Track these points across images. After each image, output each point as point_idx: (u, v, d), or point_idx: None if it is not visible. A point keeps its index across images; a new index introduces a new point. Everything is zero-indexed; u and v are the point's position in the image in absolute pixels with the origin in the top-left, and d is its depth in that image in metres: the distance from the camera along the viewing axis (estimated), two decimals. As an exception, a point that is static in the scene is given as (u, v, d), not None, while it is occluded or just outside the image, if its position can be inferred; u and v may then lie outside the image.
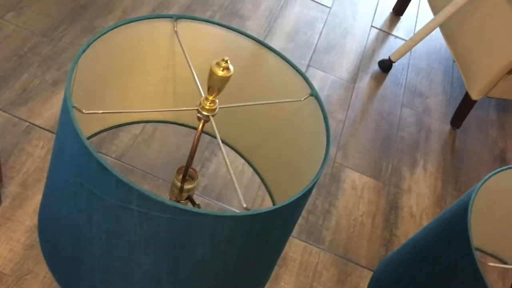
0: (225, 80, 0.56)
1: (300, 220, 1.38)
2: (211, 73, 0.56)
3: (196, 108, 0.60)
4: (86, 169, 0.51)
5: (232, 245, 0.54)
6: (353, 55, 2.02)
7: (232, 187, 1.44)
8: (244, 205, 0.53)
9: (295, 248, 1.30)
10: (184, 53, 0.64)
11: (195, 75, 0.63)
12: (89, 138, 0.77)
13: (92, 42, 0.58)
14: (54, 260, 0.65)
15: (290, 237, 1.32)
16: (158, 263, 0.55)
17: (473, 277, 0.54)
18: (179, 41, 0.65)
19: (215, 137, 0.84)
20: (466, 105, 1.81)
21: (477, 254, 0.55)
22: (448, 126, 1.88)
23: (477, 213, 0.68)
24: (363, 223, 1.46)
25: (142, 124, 1.46)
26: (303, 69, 1.86)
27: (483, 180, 0.62)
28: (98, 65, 0.65)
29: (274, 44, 1.90)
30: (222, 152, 0.58)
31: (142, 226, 0.52)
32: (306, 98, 0.67)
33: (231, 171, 0.55)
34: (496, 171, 0.61)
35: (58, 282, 0.66)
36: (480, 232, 0.71)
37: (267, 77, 0.72)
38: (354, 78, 1.93)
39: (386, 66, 1.97)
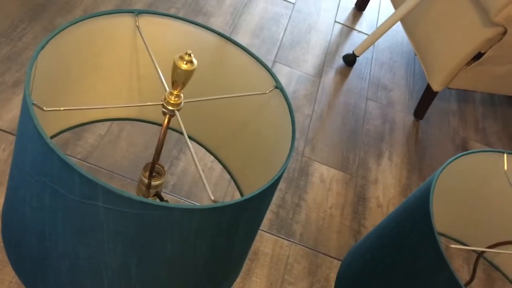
0: (189, 73, 0.56)
1: (270, 215, 1.39)
2: (175, 67, 0.55)
3: (161, 103, 0.60)
4: (49, 166, 0.50)
5: (201, 239, 0.54)
6: (318, 50, 2.04)
7: (202, 185, 1.44)
8: (212, 198, 0.53)
9: (266, 242, 1.31)
10: (147, 48, 0.63)
11: (159, 70, 0.62)
12: (52, 137, 0.75)
13: (51, 38, 0.57)
14: (19, 262, 0.63)
15: (261, 232, 1.33)
16: (127, 260, 0.54)
17: (436, 260, 0.56)
18: (141, 36, 0.64)
19: (182, 133, 0.84)
20: (427, 96, 1.85)
21: (439, 237, 0.56)
22: (411, 118, 1.92)
23: (439, 199, 0.70)
24: (332, 215, 1.48)
25: (108, 124, 1.44)
26: (269, 65, 1.87)
27: (443, 166, 0.64)
28: (59, 62, 0.63)
29: (239, 40, 1.90)
30: (188, 147, 0.58)
31: (108, 223, 0.51)
32: (271, 90, 0.68)
33: (199, 166, 0.55)
34: (455, 156, 0.63)
35: (25, 285, 0.65)
36: (444, 218, 0.73)
37: (232, 71, 0.72)
38: (320, 73, 1.95)
39: (350, 60, 2.00)
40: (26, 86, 0.52)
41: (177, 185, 1.38)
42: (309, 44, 2.05)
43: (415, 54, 2.11)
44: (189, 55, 0.55)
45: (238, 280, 1.20)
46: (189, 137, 0.84)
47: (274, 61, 1.90)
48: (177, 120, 0.60)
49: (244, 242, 0.63)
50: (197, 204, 1.37)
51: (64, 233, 0.54)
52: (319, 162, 1.62)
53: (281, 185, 1.49)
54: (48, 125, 0.72)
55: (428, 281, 0.57)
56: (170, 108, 0.60)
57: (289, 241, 1.34)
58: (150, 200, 0.49)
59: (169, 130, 0.83)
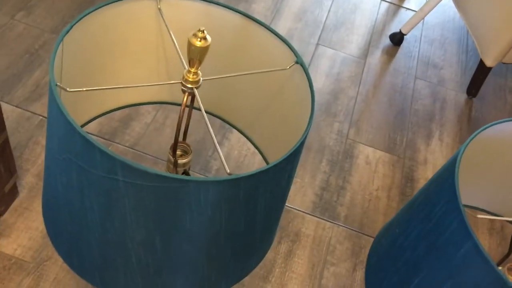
0: (204, 50, 0.57)
1: (313, 198, 1.39)
2: (189, 45, 0.57)
3: (180, 81, 0.62)
4: (72, 144, 0.53)
5: (219, 211, 0.55)
6: (363, 30, 2.00)
7: (245, 169, 1.46)
8: (228, 171, 0.54)
9: (308, 224, 1.31)
10: (168, 29, 0.65)
11: (178, 49, 0.64)
12: (87, 123, 0.79)
13: (75, 23, 0.60)
14: (57, 237, 0.67)
15: (303, 214, 1.33)
16: (150, 233, 0.57)
17: (460, 230, 0.54)
18: (162, 18, 0.66)
19: (218, 117, 0.86)
20: (481, 73, 1.76)
21: (463, 208, 0.54)
22: (464, 96, 1.84)
23: (468, 171, 0.67)
24: (378, 197, 1.46)
25: (153, 113, 1.48)
26: (312, 48, 1.85)
27: (472, 136, 0.61)
28: (86, 47, 0.66)
29: (281, 25, 1.89)
30: (205, 121, 0.59)
31: (129, 197, 0.53)
32: (292, 66, 0.68)
33: (215, 139, 0.56)
34: (484, 127, 0.61)
35: (64, 260, 0.69)
36: (472, 191, 0.70)
37: (254, 49, 0.72)
38: (365, 53, 1.90)
39: (397, 39, 1.93)
40: (50, 68, 0.55)
41: (221, 170, 1.40)
42: (354, 24, 2.01)
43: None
44: (203, 31, 0.56)
45: (280, 261, 1.21)
46: (217, 116, 0.86)
47: (317, 44, 1.87)
48: (213, 105, 0.61)
49: (267, 217, 0.63)
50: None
51: (92, 208, 0.57)
52: (364, 144, 1.59)
53: (325, 167, 1.48)
54: (82, 112, 0.76)
55: (454, 252, 0.55)
56: (188, 86, 0.61)
57: (332, 222, 1.33)
58: (165, 173, 0.50)
59: (212, 117, 0.85)
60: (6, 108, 1.33)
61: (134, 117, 1.46)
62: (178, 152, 0.72)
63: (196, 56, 0.57)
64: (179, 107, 0.62)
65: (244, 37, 0.71)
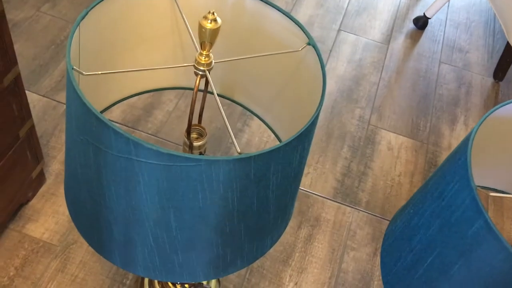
0: (214, 32, 0.58)
1: (335, 183, 1.39)
2: (200, 27, 0.58)
3: (192, 64, 0.63)
4: (88, 125, 0.55)
5: (231, 190, 0.57)
6: (386, 15, 1.97)
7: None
8: (238, 150, 0.55)
9: (328, 209, 1.31)
10: (181, 13, 0.66)
11: (191, 33, 0.65)
12: (107, 108, 0.81)
13: (90, 9, 0.62)
14: (78, 217, 0.70)
15: (323, 199, 1.33)
16: (165, 211, 0.58)
17: (471, 207, 0.54)
18: (176, 2, 0.67)
19: (235, 101, 0.87)
20: (508, 56, 1.72)
21: (475, 185, 0.54)
22: (490, 80, 1.80)
23: (482, 152, 0.66)
24: (400, 183, 1.45)
25: (175, 101, 1.50)
26: (333, 34, 1.84)
27: (485, 116, 0.60)
28: (103, 34, 0.68)
29: (302, 12, 1.89)
30: (217, 103, 0.60)
31: (143, 176, 0.55)
32: (304, 48, 0.68)
33: (226, 120, 0.57)
34: (496, 107, 0.60)
35: (84, 238, 0.72)
36: (486, 171, 0.69)
37: (268, 32, 0.73)
38: (388, 38, 1.88)
39: (421, 23, 1.90)
40: (67, 52, 0.57)
41: (241, 156, 1.42)
42: (377, 9, 1.98)
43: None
44: (213, 13, 0.57)
45: (300, 245, 1.22)
46: (234, 101, 0.87)
47: (339, 30, 1.86)
48: (230, 90, 0.62)
49: (280, 197, 0.64)
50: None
51: (109, 188, 0.59)
52: (386, 129, 1.58)
53: (346, 153, 1.48)
54: (102, 97, 0.78)
55: (466, 230, 0.55)
56: (201, 68, 0.62)
57: (352, 207, 1.33)
58: (176, 152, 0.52)
59: (233, 104, 0.86)
60: (33, 97, 1.38)
61: (156, 105, 1.48)
62: (194, 135, 0.74)
63: (207, 38, 0.58)
64: (199, 95, 0.63)
65: (258, 20, 0.72)
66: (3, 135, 0.93)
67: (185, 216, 0.59)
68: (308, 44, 0.68)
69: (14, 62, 0.89)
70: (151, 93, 1.53)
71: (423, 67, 1.81)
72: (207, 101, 1.48)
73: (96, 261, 1.10)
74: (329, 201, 1.33)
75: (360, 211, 1.32)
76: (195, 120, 0.82)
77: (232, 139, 0.56)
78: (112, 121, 1.41)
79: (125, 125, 1.40)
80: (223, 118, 0.58)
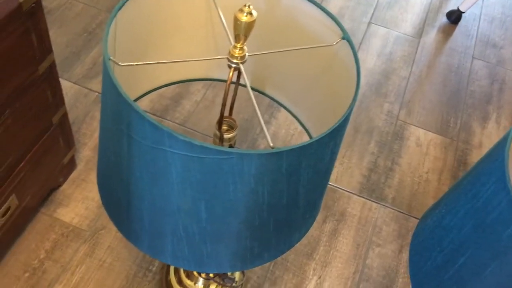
0: (249, 25, 0.58)
1: (361, 179, 1.38)
2: (235, 20, 0.58)
3: (226, 57, 0.63)
4: (123, 115, 0.56)
5: (262, 184, 0.57)
6: (418, 8, 1.93)
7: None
8: (271, 145, 0.55)
9: (354, 204, 1.30)
10: (215, 5, 0.66)
11: (225, 25, 0.65)
12: (139, 98, 0.82)
13: (127, 0, 0.62)
14: (110, 206, 0.71)
15: (349, 194, 1.33)
16: (196, 202, 0.59)
17: (508, 209, 0.52)
18: (211, -6, 0.67)
19: (265, 94, 0.87)
20: (545, 52, 1.67)
21: (512, 187, 0.53)
22: (525, 77, 1.75)
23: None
24: (428, 180, 1.43)
25: (203, 91, 1.51)
26: (363, 27, 1.81)
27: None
28: (139, 24, 0.69)
29: (333, 3, 1.86)
30: (251, 97, 0.60)
31: (176, 167, 0.55)
32: (338, 42, 0.67)
33: (259, 114, 0.57)
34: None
35: (116, 226, 0.73)
36: None
37: (301, 25, 0.72)
38: (420, 32, 1.85)
39: (455, 17, 1.86)
40: (104, 43, 0.58)
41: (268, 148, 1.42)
42: (409, 2, 1.94)
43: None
44: (248, 6, 0.57)
45: (325, 239, 1.22)
46: (264, 94, 0.87)
47: (369, 23, 1.83)
48: (261, 82, 0.62)
49: (310, 192, 0.64)
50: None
51: (141, 177, 0.60)
52: (415, 125, 1.56)
53: (373, 149, 1.46)
54: (135, 87, 0.79)
55: (501, 232, 0.54)
56: (234, 61, 0.62)
57: (379, 203, 1.32)
58: (209, 144, 0.52)
59: (260, 96, 0.86)
60: (65, 84, 1.40)
61: (184, 95, 1.49)
62: (224, 127, 0.74)
63: (241, 31, 0.58)
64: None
65: (291, 13, 0.71)
66: (37, 121, 0.95)
67: (215, 208, 0.59)
68: (343, 38, 0.67)
69: (50, 50, 0.90)
70: (180, 83, 1.54)
71: (455, 62, 1.77)
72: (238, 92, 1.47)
73: (123, 247, 1.12)
74: (355, 196, 1.33)
75: (387, 207, 1.31)
76: (226, 112, 0.82)
77: (265, 133, 0.56)
78: (141, 109, 1.42)
79: (153, 114, 1.42)
80: (257, 112, 0.58)
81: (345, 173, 1.39)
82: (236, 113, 1.44)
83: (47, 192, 1.12)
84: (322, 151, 0.59)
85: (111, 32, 0.62)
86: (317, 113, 0.80)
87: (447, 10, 1.91)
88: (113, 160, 0.63)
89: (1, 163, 0.89)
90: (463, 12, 1.84)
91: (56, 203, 1.16)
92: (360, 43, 1.76)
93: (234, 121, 0.74)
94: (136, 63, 0.61)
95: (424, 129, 1.55)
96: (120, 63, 0.59)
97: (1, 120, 0.84)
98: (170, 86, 1.52)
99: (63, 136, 1.07)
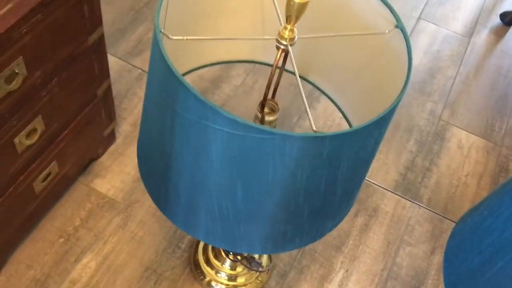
0: (302, 6, 0.57)
1: (397, 176, 1.35)
2: (288, 1, 0.57)
3: (275, 37, 0.62)
4: (170, 88, 0.56)
5: (302, 168, 0.56)
6: (471, 7, 1.87)
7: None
8: (314, 129, 0.54)
9: (388, 201, 1.28)
10: (268, -14, 0.65)
11: (276, 5, 0.64)
12: (184, 74, 0.83)
13: (181, -25, 0.62)
14: (147, 178, 0.72)
15: (383, 190, 1.30)
16: (233, 181, 0.59)
17: (557, 215, 0.50)
18: (264, -26, 0.67)
19: (307, 80, 0.86)
20: None
21: None
22: None
23: None
24: (467, 183, 1.39)
25: (243, 76, 1.51)
26: (412, 22, 1.77)
27: None
28: (189, 2, 0.69)
29: (382, -3, 1.82)
30: (297, 82, 0.60)
31: (217, 143, 0.56)
32: (391, 31, 0.65)
33: (304, 98, 0.57)
34: None
35: (152, 199, 0.74)
36: None
37: (353, 10, 0.71)
38: (470, 32, 1.79)
39: (509, 19, 1.79)
40: (156, 15, 0.58)
41: (304, 138, 1.41)
42: (462, 0, 1.88)
43: None
44: (303, -13, 0.56)
45: (355, 233, 1.21)
46: (307, 80, 0.86)
47: (419, 18, 1.79)
48: (291, 55, 0.61)
49: (348, 181, 0.63)
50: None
51: (182, 151, 0.60)
52: (458, 127, 1.51)
53: (412, 147, 1.43)
54: (181, 63, 0.79)
55: (546, 239, 0.51)
56: (283, 42, 0.61)
57: (413, 202, 1.29)
58: (253, 123, 0.52)
59: (302, 83, 0.85)
60: (110, 59, 1.43)
61: (224, 79, 1.49)
62: (266, 110, 0.73)
63: (293, 12, 0.57)
64: (268, 71, 0.63)
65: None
66: (82, 92, 0.97)
67: (252, 189, 0.59)
68: (396, 27, 0.65)
69: (100, 23, 0.92)
70: (221, 67, 1.54)
71: (505, 66, 1.71)
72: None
73: (155, 221, 1.14)
74: (389, 193, 1.30)
75: (421, 207, 1.28)
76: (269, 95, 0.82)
77: (308, 116, 0.55)
78: (182, 89, 1.44)
79: (193, 95, 1.43)
80: (302, 95, 0.57)
81: (380, 169, 1.36)
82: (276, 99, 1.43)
83: (86, 162, 1.15)
84: (366, 140, 0.58)
85: (163, 6, 0.62)
86: (361, 103, 0.78)
87: (501, 11, 1.84)
88: (155, 133, 0.64)
89: (46, 129, 0.91)
90: (518, 14, 1.77)
91: (94, 173, 1.18)
92: (407, 39, 1.72)
93: (277, 104, 0.73)
94: (186, 38, 0.61)
95: (467, 131, 1.51)
96: (170, 36, 0.59)
97: (48, 88, 0.86)
98: (211, 68, 1.53)
99: (105, 109, 1.09)
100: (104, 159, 1.21)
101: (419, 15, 1.80)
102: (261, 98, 0.68)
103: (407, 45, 0.63)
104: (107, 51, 1.45)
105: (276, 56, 0.63)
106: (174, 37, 0.60)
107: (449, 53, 1.71)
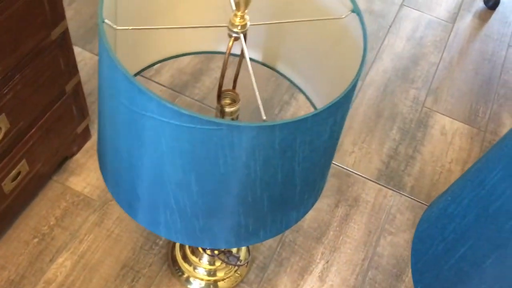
0: (249, -8, 0.55)
1: (379, 165, 1.34)
2: (235, -14, 0.55)
3: (226, 25, 0.60)
4: (115, 81, 0.54)
5: (254, 158, 0.55)
6: (454, -8, 1.85)
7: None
8: (264, 117, 0.53)
9: (369, 190, 1.27)
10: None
11: (229, -7, 0.62)
12: (146, 68, 0.81)
13: (128, -36, 0.60)
14: (108, 176, 0.71)
15: (365, 179, 1.29)
16: (186, 174, 0.57)
17: (512, 199, 0.49)
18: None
19: (278, 72, 0.84)
20: None
21: (520, 175, 0.49)
22: None
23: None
24: (451, 170, 1.37)
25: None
26: (396, 8, 1.75)
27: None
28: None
29: (364, -16, 1.80)
30: (249, 68, 0.58)
31: (165, 136, 0.54)
32: (348, 15, 0.64)
33: (255, 86, 0.55)
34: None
35: (114, 197, 0.73)
36: None
37: (312, -3, 0.69)
38: (454, 17, 1.76)
39: (492, 2, 1.77)
40: (100, 5, 0.56)
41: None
42: (445, -15, 1.86)
43: None
44: (249, -28, 0.54)
45: (335, 224, 1.19)
46: (275, 70, 0.84)
47: (402, 5, 1.76)
48: (243, 43, 0.60)
49: (307, 170, 0.61)
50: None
51: (133, 145, 0.58)
52: (441, 113, 1.50)
53: (395, 135, 1.42)
54: (140, 57, 0.77)
55: (504, 222, 0.50)
56: (235, 30, 0.60)
57: (394, 191, 1.28)
58: (198, 114, 0.50)
59: (281, 77, 0.83)
60: (86, 55, 1.41)
61: (204, 72, 1.48)
62: (227, 101, 0.72)
63: (242, -1, 0.56)
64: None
65: (302, -16, 0.68)
66: (49, 88, 0.95)
67: (206, 181, 0.58)
68: (353, 11, 0.63)
69: (62, 17, 0.90)
70: (201, 59, 1.52)
71: (489, 50, 1.69)
72: (256, 70, 1.44)
73: (131, 219, 1.12)
74: (370, 182, 1.29)
75: (403, 196, 1.27)
76: (230, 85, 0.80)
77: (259, 104, 0.54)
78: (160, 84, 1.42)
79: (172, 89, 1.41)
80: (253, 83, 0.55)
81: (363, 159, 1.35)
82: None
83: (60, 160, 1.13)
84: (319, 127, 0.56)
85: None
86: (325, 90, 0.76)
87: (485, -5, 1.82)
88: (108, 128, 0.62)
89: (11, 128, 0.89)
90: (502, -3, 1.75)
91: (69, 171, 1.17)
92: (390, 26, 1.70)
93: (237, 94, 0.71)
94: (131, 28, 0.59)
95: (451, 117, 1.49)
96: (115, 26, 0.58)
97: (11, 85, 0.85)
98: (191, 61, 1.51)
99: (76, 105, 1.07)
100: (79, 156, 1.19)
101: (402, 1, 1.77)
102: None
103: (363, 30, 0.61)
104: (83, 47, 1.43)
105: (228, 44, 0.61)
106: (119, 27, 0.58)
107: (432, 39, 1.69)
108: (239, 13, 0.59)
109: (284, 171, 0.58)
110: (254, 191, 0.59)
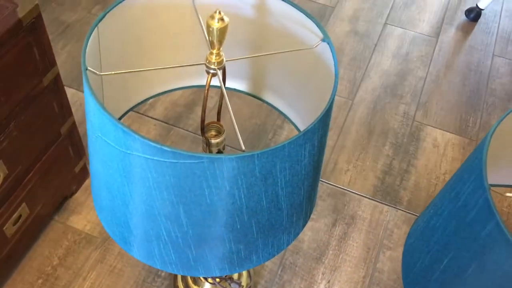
0: (222, 31, 0.58)
1: (375, 181, 1.36)
2: (208, 26, 0.58)
3: (203, 63, 0.64)
4: (101, 123, 0.57)
5: (237, 188, 0.57)
6: (436, 7, 1.89)
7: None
8: (243, 148, 0.55)
9: (365, 207, 1.28)
10: (196, 13, 0.67)
11: (205, 32, 0.66)
12: (135, 106, 0.84)
13: (109, 11, 0.64)
14: (102, 213, 0.73)
15: (360, 197, 1.31)
16: (174, 206, 0.60)
17: (484, 208, 0.51)
18: (194, 3, 0.68)
19: (265, 101, 0.87)
20: None
21: (488, 186, 0.51)
22: (549, 73, 1.68)
23: (504, 149, 0.63)
24: (445, 181, 1.39)
25: (216, 98, 1.53)
26: (380, 28, 1.79)
27: (507, 112, 0.57)
28: (125, 35, 0.71)
29: (348, 6, 1.85)
30: (225, 99, 0.61)
31: (151, 172, 0.57)
32: (318, 45, 0.67)
33: (232, 117, 0.58)
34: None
35: (110, 234, 0.75)
36: (505, 171, 0.65)
37: (288, 29, 0.72)
38: (438, 31, 1.81)
39: (474, 14, 1.81)
40: (83, 53, 0.60)
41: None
42: (426, 1, 1.91)
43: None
44: (219, 13, 0.57)
45: (334, 243, 1.21)
46: (262, 100, 0.87)
47: (385, 24, 1.81)
48: (219, 79, 0.63)
49: (291, 194, 0.64)
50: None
51: (122, 183, 0.61)
52: (432, 126, 1.52)
53: (388, 151, 1.44)
54: (128, 97, 0.81)
55: (479, 232, 0.52)
56: (212, 67, 0.63)
57: (390, 206, 1.29)
58: (179, 149, 0.53)
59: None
60: (81, 96, 1.45)
61: (197, 102, 1.51)
62: (212, 132, 0.75)
63: (215, 37, 0.59)
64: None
65: (278, 18, 0.72)
66: (44, 132, 0.99)
67: (194, 212, 0.60)
68: (323, 41, 0.67)
69: (53, 63, 0.94)
70: (193, 90, 1.56)
71: (474, 61, 1.72)
72: (246, 98, 1.49)
73: (133, 253, 1.14)
74: (365, 199, 1.31)
75: (399, 210, 1.29)
76: (213, 118, 0.83)
77: (237, 135, 0.56)
78: (154, 118, 1.45)
79: (166, 123, 1.44)
80: (229, 113, 0.58)
81: (358, 176, 1.37)
82: (248, 118, 1.45)
83: (60, 200, 1.16)
84: (297, 153, 0.59)
85: (94, 44, 0.64)
86: (308, 114, 0.79)
87: (465, 8, 1.87)
88: (98, 168, 0.65)
89: (10, 173, 0.92)
90: (483, 9, 1.79)
91: (69, 210, 1.19)
92: (376, 45, 1.74)
93: (221, 126, 0.74)
94: (113, 72, 0.63)
95: (442, 129, 1.52)
96: (97, 72, 0.61)
97: (6, 132, 0.88)
98: (184, 93, 1.55)
99: (72, 146, 1.10)
100: (79, 195, 1.22)
101: (385, 21, 1.82)
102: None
103: (333, 58, 0.64)
104: (78, 88, 1.48)
105: (207, 80, 0.64)
106: (102, 73, 0.61)
107: (418, 54, 1.73)
108: (214, 51, 0.62)
109: (268, 197, 0.61)
110: (242, 218, 0.62)
